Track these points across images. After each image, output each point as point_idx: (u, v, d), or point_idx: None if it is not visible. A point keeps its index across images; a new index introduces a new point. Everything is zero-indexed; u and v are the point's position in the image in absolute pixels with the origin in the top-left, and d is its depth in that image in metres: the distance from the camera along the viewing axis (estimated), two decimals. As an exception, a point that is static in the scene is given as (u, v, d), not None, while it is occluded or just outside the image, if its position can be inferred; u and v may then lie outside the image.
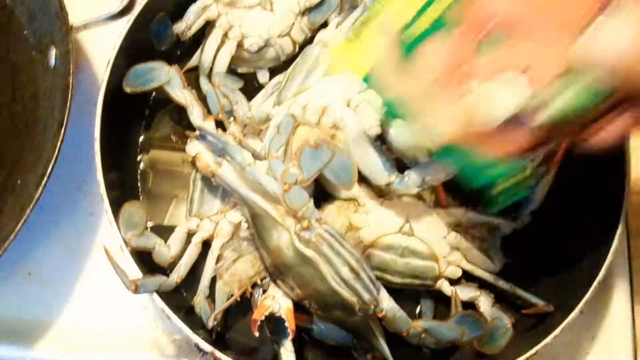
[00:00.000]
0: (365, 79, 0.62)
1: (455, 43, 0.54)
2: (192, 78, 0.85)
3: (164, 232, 0.79)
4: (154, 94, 0.87)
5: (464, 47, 0.54)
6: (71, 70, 0.74)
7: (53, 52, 0.80)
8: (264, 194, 0.71)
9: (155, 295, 0.71)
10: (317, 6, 0.85)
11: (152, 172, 0.86)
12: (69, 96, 0.73)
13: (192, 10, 0.84)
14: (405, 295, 0.78)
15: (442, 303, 0.80)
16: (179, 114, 0.86)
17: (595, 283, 0.73)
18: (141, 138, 0.87)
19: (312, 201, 0.69)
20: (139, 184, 0.85)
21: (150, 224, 0.82)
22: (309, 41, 0.85)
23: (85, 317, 0.82)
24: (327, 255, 0.68)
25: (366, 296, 0.69)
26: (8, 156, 0.83)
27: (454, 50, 0.54)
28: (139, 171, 0.86)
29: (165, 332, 0.82)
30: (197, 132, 0.77)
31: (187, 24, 0.84)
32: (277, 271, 0.72)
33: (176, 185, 0.85)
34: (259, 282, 0.76)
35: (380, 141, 0.74)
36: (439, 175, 0.71)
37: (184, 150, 0.81)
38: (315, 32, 0.85)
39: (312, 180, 0.68)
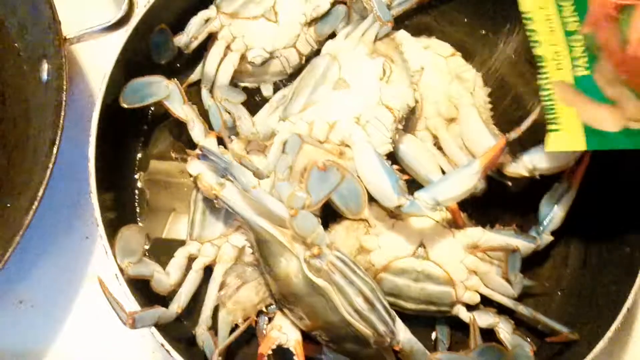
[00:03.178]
0: None
1: None
2: (193, 93, 0.82)
3: (163, 245, 0.76)
4: (152, 109, 0.83)
5: None
6: (64, 87, 0.70)
7: (45, 66, 0.76)
8: (271, 217, 0.67)
9: (153, 328, 0.67)
10: (324, 16, 0.81)
11: (149, 184, 0.82)
12: (62, 114, 0.69)
13: (194, 22, 0.80)
14: (420, 320, 0.74)
15: (458, 328, 0.76)
16: (179, 128, 0.82)
17: (623, 310, 0.69)
18: (139, 155, 0.83)
19: (321, 226, 0.65)
20: (136, 204, 0.81)
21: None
22: (315, 53, 0.81)
23: (79, 347, 0.78)
24: (339, 284, 0.64)
25: (382, 328, 0.64)
26: (-4, 177, 0.79)
27: None
28: (136, 190, 0.82)
29: (165, 363, 0.77)
30: (198, 151, 0.73)
31: (190, 36, 0.80)
32: (284, 300, 0.67)
33: (175, 198, 0.81)
34: (264, 309, 0.72)
35: (391, 161, 0.70)
36: (452, 195, 0.67)
37: (182, 160, 0.77)
38: (322, 43, 0.81)
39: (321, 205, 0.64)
